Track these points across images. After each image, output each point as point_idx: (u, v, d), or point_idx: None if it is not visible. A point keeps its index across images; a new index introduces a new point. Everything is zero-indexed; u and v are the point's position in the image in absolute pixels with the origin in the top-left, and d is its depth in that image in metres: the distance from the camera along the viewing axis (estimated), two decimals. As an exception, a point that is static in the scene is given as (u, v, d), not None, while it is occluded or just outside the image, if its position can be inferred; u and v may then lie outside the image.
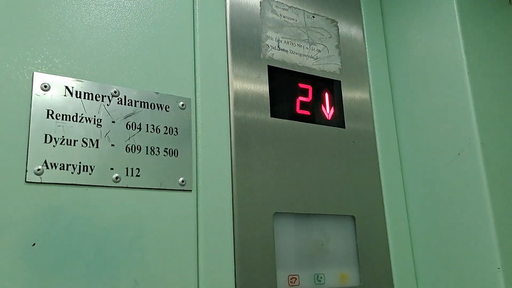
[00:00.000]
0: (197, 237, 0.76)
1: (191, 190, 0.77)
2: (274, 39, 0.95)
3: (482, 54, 0.96)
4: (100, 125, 0.72)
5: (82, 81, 0.72)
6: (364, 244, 0.93)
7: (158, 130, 0.77)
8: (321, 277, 0.87)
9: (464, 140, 0.91)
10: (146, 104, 0.77)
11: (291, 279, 0.84)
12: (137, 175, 0.73)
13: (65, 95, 0.70)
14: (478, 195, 0.87)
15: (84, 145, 0.70)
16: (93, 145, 0.70)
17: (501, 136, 0.91)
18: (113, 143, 0.72)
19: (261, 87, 0.91)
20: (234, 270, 0.78)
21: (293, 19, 0.99)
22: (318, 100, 0.98)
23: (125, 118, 0.75)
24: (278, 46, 0.95)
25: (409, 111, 1.04)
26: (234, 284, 0.77)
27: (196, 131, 0.81)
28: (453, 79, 0.95)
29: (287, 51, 0.96)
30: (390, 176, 1.02)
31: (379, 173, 1.00)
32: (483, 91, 0.92)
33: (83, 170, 0.68)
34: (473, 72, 0.93)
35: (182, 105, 0.80)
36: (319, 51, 1.01)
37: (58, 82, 0.70)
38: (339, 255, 0.91)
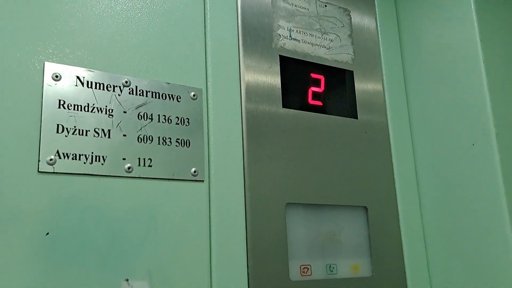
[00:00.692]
0: (210, 227, 0.76)
1: (203, 181, 0.77)
2: (285, 28, 0.94)
3: (498, 42, 0.94)
4: (112, 115, 0.72)
5: (93, 71, 0.72)
6: (376, 234, 0.93)
7: (169, 120, 0.77)
8: (333, 267, 0.87)
9: (479, 131, 0.89)
10: (157, 94, 0.77)
11: (303, 269, 0.84)
12: (149, 165, 0.72)
13: (76, 85, 0.70)
14: (493, 186, 0.86)
15: (96, 135, 0.70)
16: (105, 135, 0.70)
17: (516, 126, 0.90)
18: (125, 133, 0.72)
19: (273, 77, 0.90)
20: (246, 260, 0.78)
21: (305, 8, 0.98)
22: (330, 90, 0.97)
23: (136, 108, 0.74)
24: (290, 36, 0.94)
25: (422, 101, 1.03)
26: (246, 274, 0.77)
27: (207, 121, 0.81)
28: (468, 68, 0.93)
29: (299, 40, 0.95)
30: (402, 167, 1.01)
31: (391, 164, 0.99)
32: (498, 80, 0.91)
33: (96, 160, 0.68)
34: (489, 61, 0.91)
35: (194, 95, 0.80)
36: (331, 40, 0.99)
37: (69, 72, 0.70)
38: (351, 245, 0.91)
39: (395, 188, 0.98)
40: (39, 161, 0.64)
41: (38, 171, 0.64)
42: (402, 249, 0.95)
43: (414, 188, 1.01)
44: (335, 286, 0.86)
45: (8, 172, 0.63)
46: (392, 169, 0.99)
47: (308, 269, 0.84)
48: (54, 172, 0.65)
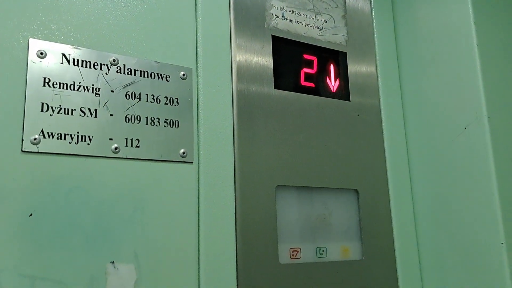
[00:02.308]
0: (198, 209, 0.75)
1: (192, 162, 0.76)
2: (278, 8, 0.92)
3: (492, 25, 0.93)
4: (99, 94, 0.70)
5: (79, 49, 0.70)
6: (367, 218, 0.93)
7: (158, 100, 0.75)
8: (323, 250, 0.87)
9: (471, 114, 0.89)
10: (146, 73, 0.75)
11: (292, 252, 0.84)
12: (136, 146, 0.71)
13: (62, 63, 0.68)
14: (484, 169, 0.86)
15: (82, 114, 0.68)
16: (91, 114, 0.69)
17: (509, 110, 0.89)
18: (112, 113, 0.70)
19: (265, 58, 0.88)
20: (235, 242, 0.77)
21: (298, -12, 0.96)
22: (323, 72, 0.96)
23: (124, 87, 0.73)
24: (283, 16, 0.92)
25: (415, 84, 1.02)
26: (235, 257, 0.76)
27: (197, 101, 0.79)
28: (461, 51, 0.92)
29: (292, 20, 0.93)
30: (394, 150, 1.00)
31: (383, 147, 0.99)
32: (492, 64, 0.90)
33: (81, 140, 0.67)
34: (483, 44, 0.90)
35: (183, 75, 0.78)
36: (325, 21, 0.98)
37: (55, 49, 0.68)
38: (342, 228, 0.90)
39: (386, 171, 0.98)
40: (22, 140, 0.63)
41: (22, 150, 0.63)
42: (392, 233, 0.95)
43: (406, 171, 1.01)
44: (325, 269, 0.85)
45: (-10, 152, 0.61)
46: (384, 152, 0.99)
47: (297, 252, 0.84)
48: (38, 152, 0.63)
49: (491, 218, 0.84)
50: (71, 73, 0.69)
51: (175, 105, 0.76)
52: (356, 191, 0.93)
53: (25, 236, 0.61)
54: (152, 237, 0.70)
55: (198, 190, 0.76)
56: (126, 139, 0.71)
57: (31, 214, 0.61)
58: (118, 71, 0.73)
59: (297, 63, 0.93)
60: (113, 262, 0.65)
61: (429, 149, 0.97)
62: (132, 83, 0.73)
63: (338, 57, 0.99)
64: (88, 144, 0.67)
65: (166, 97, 0.76)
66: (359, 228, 0.92)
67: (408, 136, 1.03)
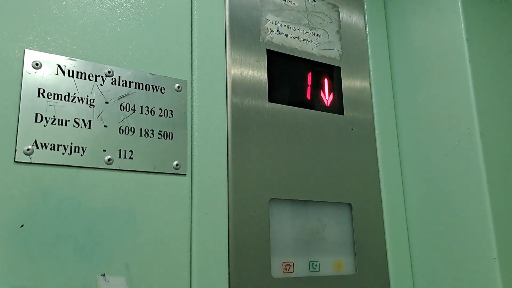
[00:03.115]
0: (191, 221, 0.74)
1: (185, 174, 0.76)
2: (273, 22, 0.93)
3: (484, 42, 0.94)
4: (93, 106, 0.70)
5: (75, 60, 0.70)
6: (360, 232, 0.92)
7: (152, 112, 0.75)
8: (316, 265, 0.86)
9: (464, 130, 0.89)
10: (141, 85, 0.75)
11: (285, 266, 0.83)
12: (130, 158, 0.71)
13: (57, 74, 0.68)
14: (476, 185, 0.86)
15: (76, 125, 0.68)
16: (85, 125, 0.69)
17: (500, 126, 0.90)
18: (106, 124, 0.70)
19: (260, 72, 0.89)
20: (228, 255, 0.77)
21: (293, 3, 0.97)
22: (317, 86, 0.97)
23: (119, 99, 0.73)
24: (278, 30, 0.93)
25: (409, 99, 1.03)
26: (227, 270, 0.76)
27: (192, 114, 0.79)
28: (454, 67, 0.93)
29: (286, 35, 0.94)
30: (388, 164, 1.00)
31: (377, 161, 0.99)
32: (484, 80, 0.91)
33: (75, 151, 0.67)
34: (474, 61, 0.91)
35: (178, 87, 0.79)
36: (319, 36, 0.99)
37: (50, 60, 0.68)
38: (335, 242, 0.90)
39: (379, 186, 0.98)
40: (15, 150, 0.63)
41: (15, 161, 0.62)
42: (385, 247, 0.95)
43: (399, 185, 1.01)
44: (318, 284, 0.85)
45: (-17, 162, 0.61)
46: (377, 166, 0.99)
47: (290, 266, 0.84)
48: (31, 163, 0.63)
49: (483, 233, 0.84)
50: (66, 84, 0.69)
51: (169, 117, 0.77)
52: (350, 205, 0.93)
53: (16, 247, 0.60)
54: (144, 249, 0.69)
55: (191, 202, 0.75)
56: (120, 150, 0.71)
57: (22, 225, 0.61)
58: (113, 82, 0.73)
59: (292, 77, 0.94)
60: (104, 275, 0.65)
61: (422, 163, 0.98)
62: (126, 94, 0.74)
63: (332, 72, 0.99)
64: (81, 155, 0.67)
65: (160, 109, 0.76)
66: (352, 242, 0.92)
67: (401, 150, 1.03)
